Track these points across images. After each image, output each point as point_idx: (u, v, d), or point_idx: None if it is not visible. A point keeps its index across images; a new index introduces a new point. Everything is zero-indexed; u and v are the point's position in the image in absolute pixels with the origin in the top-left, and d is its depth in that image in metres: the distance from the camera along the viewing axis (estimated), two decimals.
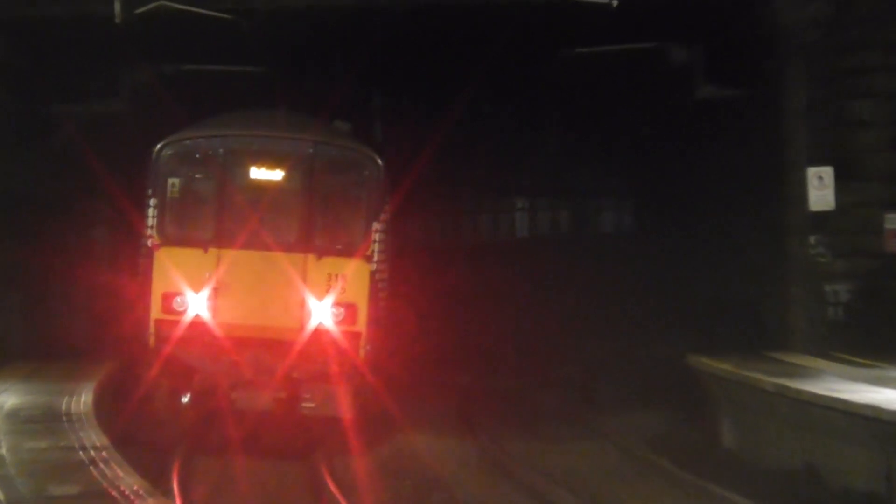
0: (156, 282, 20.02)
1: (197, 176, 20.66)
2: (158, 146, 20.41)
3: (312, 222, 20.39)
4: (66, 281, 24.82)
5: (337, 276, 19.98)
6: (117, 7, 21.25)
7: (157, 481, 16.12)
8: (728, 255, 26.05)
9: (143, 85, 25.09)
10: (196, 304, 19.87)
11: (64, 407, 17.90)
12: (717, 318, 26.03)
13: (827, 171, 22.39)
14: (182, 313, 19.86)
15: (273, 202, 20.29)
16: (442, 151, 25.02)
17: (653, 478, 19.23)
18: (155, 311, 19.99)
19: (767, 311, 24.09)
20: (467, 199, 40.17)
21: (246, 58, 24.91)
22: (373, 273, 20.39)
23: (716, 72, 25.12)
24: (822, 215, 22.54)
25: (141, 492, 12.75)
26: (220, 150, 20.38)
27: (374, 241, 20.47)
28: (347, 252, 20.30)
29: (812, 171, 22.45)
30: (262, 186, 20.34)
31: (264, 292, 19.99)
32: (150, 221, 20.22)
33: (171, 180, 20.32)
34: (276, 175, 20.48)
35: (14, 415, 17.20)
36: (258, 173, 20.41)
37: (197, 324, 19.81)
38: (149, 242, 20.23)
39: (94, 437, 15.63)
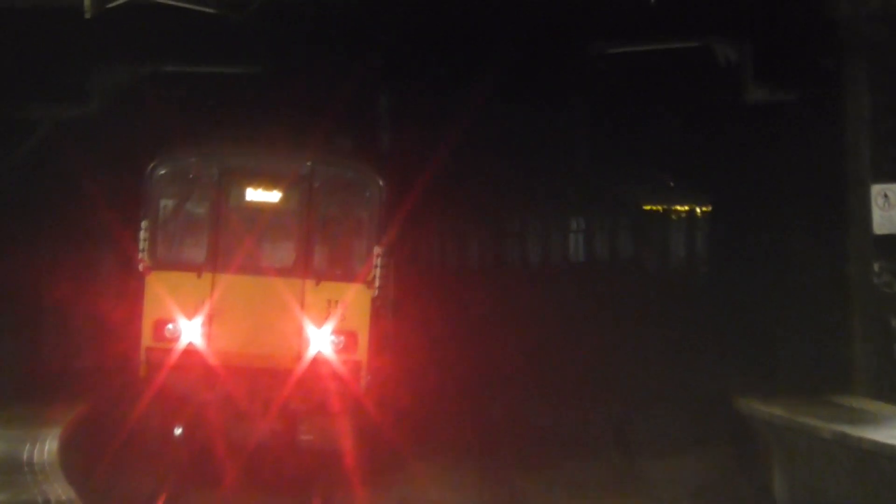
0: (147, 308, 20.06)
1: (190, 197, 20.69)
2: (150, 165, 20.47)
3: (311, 246, 20.41)
4: (33, 303, 24.05)
5: (336, 302, 20.03)
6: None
7: None
8: (781, 279, 25.25)
9: (117, 87, 24.33)
10: (189, 332, 19.87)
11: (26, 456, 17.38)
12: (768, 352, 25.17)
13: (894, 189, 21.55)
14: (174, 341, 19.90)
15: (270, 224, 20.40)
16: (458, 156, 25.16)
17: None
18: (146, 339, 20.04)
19: (825, 345, 23.15)
20: (491, 210, 39.39)
21: (237, 58, 24.31)
22: (374, 299, 20.37)
23: (766, 73, 24.07)
24: (888, 239, 21.61)
25: None
26: (215, 170, 20.41)
27: (376, 266, 20.38)
28: (347, 277, 20.36)
29: (877, 189, 21.59)
30: (258, 208, 20.43)
31: (260, 319, 20.01)
32: (142, 245, 20.16)
33: (163, 201, 20.47)
34: (274, 196, 20.50)
35: None
36: (254, 194, 20.46)
37: (190, 352, 19.86)
38: (140, 266, 20.20)
39: (59, 490, 15.34)
